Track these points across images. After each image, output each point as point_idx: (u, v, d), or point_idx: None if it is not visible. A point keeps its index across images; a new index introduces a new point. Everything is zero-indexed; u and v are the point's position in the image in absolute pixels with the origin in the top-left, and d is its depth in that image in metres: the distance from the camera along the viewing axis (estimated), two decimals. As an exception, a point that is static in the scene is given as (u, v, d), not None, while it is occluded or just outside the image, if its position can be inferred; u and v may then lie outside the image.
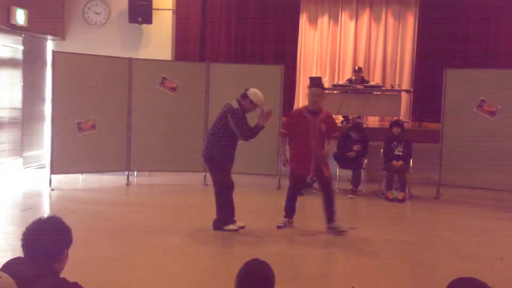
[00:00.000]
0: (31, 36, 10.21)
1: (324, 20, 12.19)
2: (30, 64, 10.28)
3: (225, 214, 6.25)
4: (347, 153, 8.72)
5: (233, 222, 6.28)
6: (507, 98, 8.21)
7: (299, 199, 8.36)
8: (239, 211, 6.36)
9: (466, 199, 8.54)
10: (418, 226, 7.04)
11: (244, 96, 6.16)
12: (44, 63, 10.66)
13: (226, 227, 6.23)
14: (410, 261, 5.51)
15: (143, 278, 4.71)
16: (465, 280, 2.01)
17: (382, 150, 8.78)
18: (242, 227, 6.29)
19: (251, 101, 6.13)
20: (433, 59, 10.97)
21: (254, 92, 6.17)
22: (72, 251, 2.47)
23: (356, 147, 8.68)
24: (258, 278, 2.38)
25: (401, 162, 8.51)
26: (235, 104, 6.13)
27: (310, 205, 8.31)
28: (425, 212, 7.85)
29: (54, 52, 8.83)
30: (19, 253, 2.40)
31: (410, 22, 11.94)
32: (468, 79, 8.56)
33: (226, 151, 6.15)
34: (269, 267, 2.46)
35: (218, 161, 6.15)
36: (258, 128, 6.19)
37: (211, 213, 6.31)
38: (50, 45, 10.75)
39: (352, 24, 12.09)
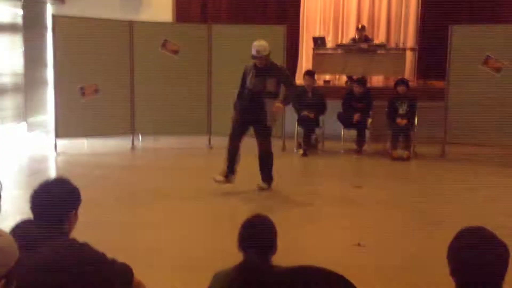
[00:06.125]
0: (30, 0, 10.07)
1: (326, -23, 11.94)
2: (30, 29, 10.17)
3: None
4: (350, 114, 8.65)
5: (224, 173, 6.22)
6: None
7: (304, 159, 8.44)
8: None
9: (472, 156, 8.53)
10: (424, 184, 7.06)
11: None
12: (44, 27, 10.56)
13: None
14: (417, 217, 5.55)
15: (152, 239, 4.77)
16: (474, 229, 2.01)
17: (386, 109, 8.72)
18: (220, 181, 6.21)
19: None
20: (438, 15, 10.77)
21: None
22: (80, 214, 2.48)
23: (356, 116, 8.59)
24: (258, 232, 2.41)
25: (405, 121, 8.47)
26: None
27: (315, 165, 8.35)
28: (430, 170, 7.86)
29: (54, 16, 8.73)
30: (27, 216, 2.41)
31: (415, -22, 11.69)
32: (474, 35, 8.43)
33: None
34: (269, 221, 2.48)
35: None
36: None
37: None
38: (49, 9, 10.62)
39: (355, -19, 11.85)
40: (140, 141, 9.54)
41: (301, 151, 8.68)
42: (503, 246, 1.95)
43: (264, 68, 6.09)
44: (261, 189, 6.29)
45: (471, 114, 8.34)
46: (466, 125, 8.39)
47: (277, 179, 6.64)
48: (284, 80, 6.21)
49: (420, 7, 11.61)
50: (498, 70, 8.22)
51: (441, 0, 10.87)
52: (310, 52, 11.12)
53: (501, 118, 8.13)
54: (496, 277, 1.91)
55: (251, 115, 6.13)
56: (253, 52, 6.09)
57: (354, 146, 8.71)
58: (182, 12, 11.22)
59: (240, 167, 6.35)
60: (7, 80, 9.67)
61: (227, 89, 8.91)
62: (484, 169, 7.83)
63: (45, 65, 10.57)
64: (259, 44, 6.11)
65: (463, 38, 8.44)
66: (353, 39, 10.98)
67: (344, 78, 11.21)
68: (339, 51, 11.03)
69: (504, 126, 8.11)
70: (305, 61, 11.79)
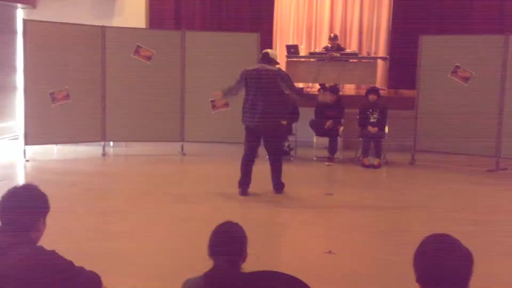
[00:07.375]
0: (1, 4, 9.92)
1: (300, -14, 12.06)
2: (0, 33, 10.01)
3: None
4: (323, 122, 8.74)
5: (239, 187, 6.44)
6: (482, 64, 8.29)
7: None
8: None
9: (440, 164, 8.67)
10: (394, 191, 7.15)
11: (271, 59, 6.42)
12: (14, 32, 10.40)
13: None
14: (387, 224, 5.62)
15: (121, 246, 4.72)
16: (439, 236, 2.05)
17: (358, 117, 8.82)
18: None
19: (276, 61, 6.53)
20: (409, 25, 10.96)
21: (273, 53, 6.56)
22: (49, 221, 2.45)
23: (328, 123, 8.68)
24: (228, 239, 2.41)
25: (376, 128, 8.58)
26: (276, 68, 6.46)
27: (287, 172, 8.38)
28: (400, 178, 7.98)
29: (25, 21, 8.61)
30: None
31: (386, -12, 11.88)
32: (444, 45, 8.61)
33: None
34: (240, 228, 2.48)
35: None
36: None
37: (189, 182, 6.32)
38: (20, 13, 10.47)
39: (328, -10, 11.99)
40: (111, 147, 9.45)
41: (273, 158, 8.69)
42: (467, 253, 1.99)
43: None
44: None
45: (440, 123, 8.50)
46: (435, 133, 8.55)
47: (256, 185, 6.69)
48: None
49: (391, 18, 11.80)
50: (466, 79, 8.40)
51: (412, 11, 11.08)
52: (283, 59, 11.18)
53: (469, 127, 8.30)
54: (460, 284, 1.95)
55: None
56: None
57: (326, 153, 8.78)
58: (155, 18, 11.18)
59: (214, 173, 6.36)
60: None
61: (201, 96, 8.94)
62: (452, 176, 7.97)
63: (14, 70, 10.40)
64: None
65: (432, 48, 8.61)
66: (326, 48, 11.09)
67: (317, 86, 11.30)
68: (312, 59, 11.12)
69: (471, 134, 8.28)
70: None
